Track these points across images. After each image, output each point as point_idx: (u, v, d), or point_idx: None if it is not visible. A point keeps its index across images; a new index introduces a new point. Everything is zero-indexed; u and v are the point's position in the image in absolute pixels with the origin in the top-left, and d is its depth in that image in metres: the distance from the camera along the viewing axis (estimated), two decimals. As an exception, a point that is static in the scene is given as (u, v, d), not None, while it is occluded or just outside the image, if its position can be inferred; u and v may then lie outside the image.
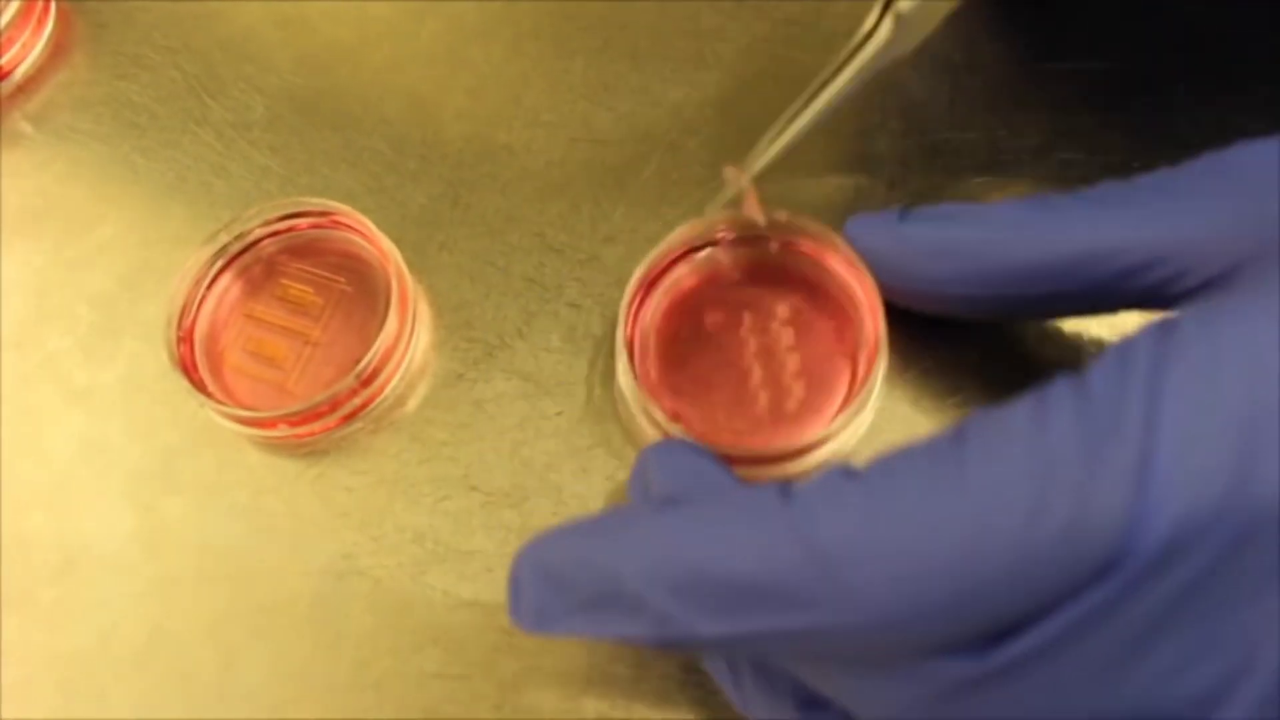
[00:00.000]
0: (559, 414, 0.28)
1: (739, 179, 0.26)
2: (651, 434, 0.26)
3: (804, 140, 0.26)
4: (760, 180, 0.26)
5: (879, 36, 0.25)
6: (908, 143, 0.31)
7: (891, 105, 0.31)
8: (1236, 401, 0.16)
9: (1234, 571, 0.16)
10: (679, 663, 0.25)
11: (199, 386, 0.28)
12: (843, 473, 0.18)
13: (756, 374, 0.27)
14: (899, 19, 0.24)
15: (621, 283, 0.29)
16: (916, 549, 0.16)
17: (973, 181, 0.30)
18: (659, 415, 0.25)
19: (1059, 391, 0.17)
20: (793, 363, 0.27)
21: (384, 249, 0.29)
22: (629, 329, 0.27)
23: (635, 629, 0.19)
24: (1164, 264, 0.21)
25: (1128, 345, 0.17)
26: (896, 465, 0.17)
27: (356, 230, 0.30)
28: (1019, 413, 0.17)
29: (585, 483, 0.27)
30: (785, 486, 0.18)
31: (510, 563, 0.21)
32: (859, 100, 0.32)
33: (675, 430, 0.25)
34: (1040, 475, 0.16)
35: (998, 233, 0.23)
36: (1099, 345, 0.27)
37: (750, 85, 0.33)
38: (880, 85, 0.32)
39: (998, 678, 0.17)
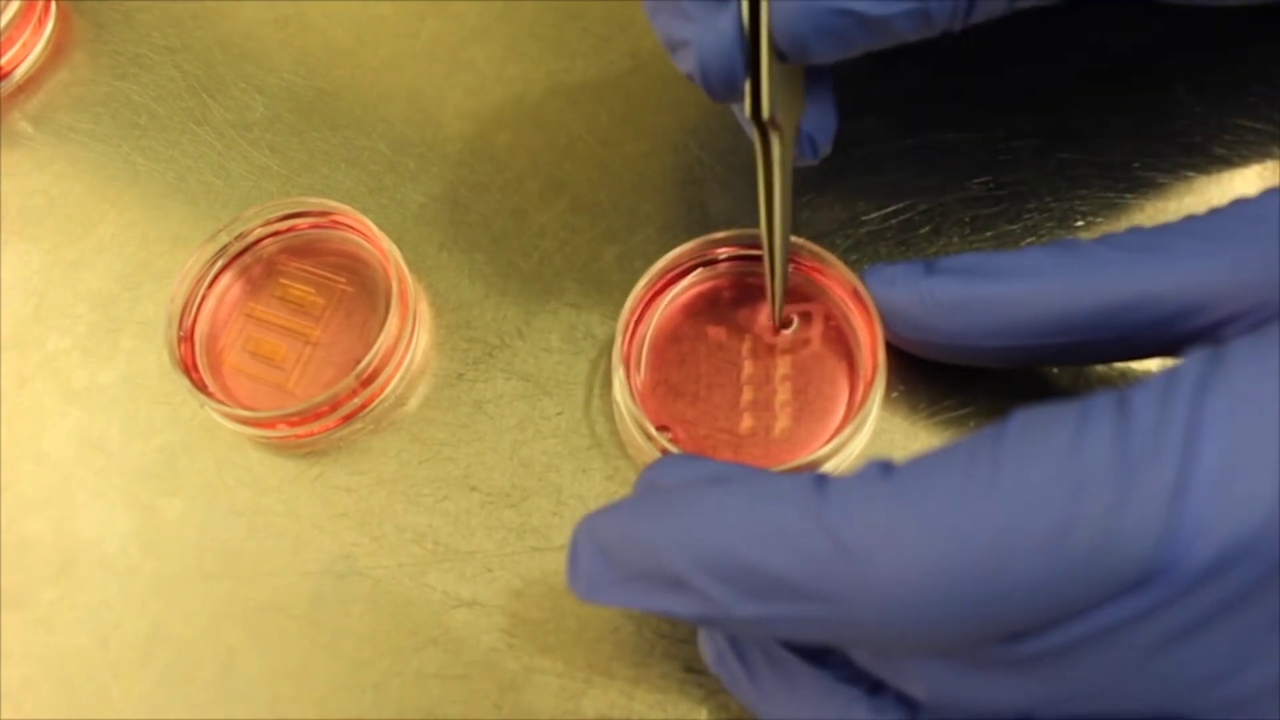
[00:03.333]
0: (559, 414, 0.28)
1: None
2: (645, 447, 0.26)
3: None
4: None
5: (775, 151, 0.24)
6: (908, 143, 0.31)
7: (892, 106, 0.31)
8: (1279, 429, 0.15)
9: (1268, 596, 0.16)
10: (679, 663, 0.25)
11: (199, 386, 0.28)
12: (879, 467, 0.18)
13: (752, 394, 0.27)
14: (774, 122, 0.23)
15: (622, 283, 0.29)
16: (944, 551, 0.16)
17: (974, 183, 0.30)
18: (653, 430, 0.25)
19: (1101, 407, 0.17)
20: (789, 384, 0.27)
21: (384, 249, 0.29)
22: (626, 343, 0.27)
23: (677, 606, 0.19)
24: (1200, 311, 0.21)
25: (1175, 369, 0.17)
26: (932, 465, 0.17)
27: (357, 230, 0.30)
28: (1059, 424, 0.17)
29: (585, 483, 0.27)
30: (822, 477, 0.18)
31: (569, 537, 0.22)
32: (859, 102, 0.32)
33: (669, 446, 0.25)
34: (1073, 491, 0.16)
35: (1027, 284, 0.23)
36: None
37: (750, 85, 0.33)
38: (881, 86, 0.32)
39: (1021, 665, 0.17)
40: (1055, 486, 0.16)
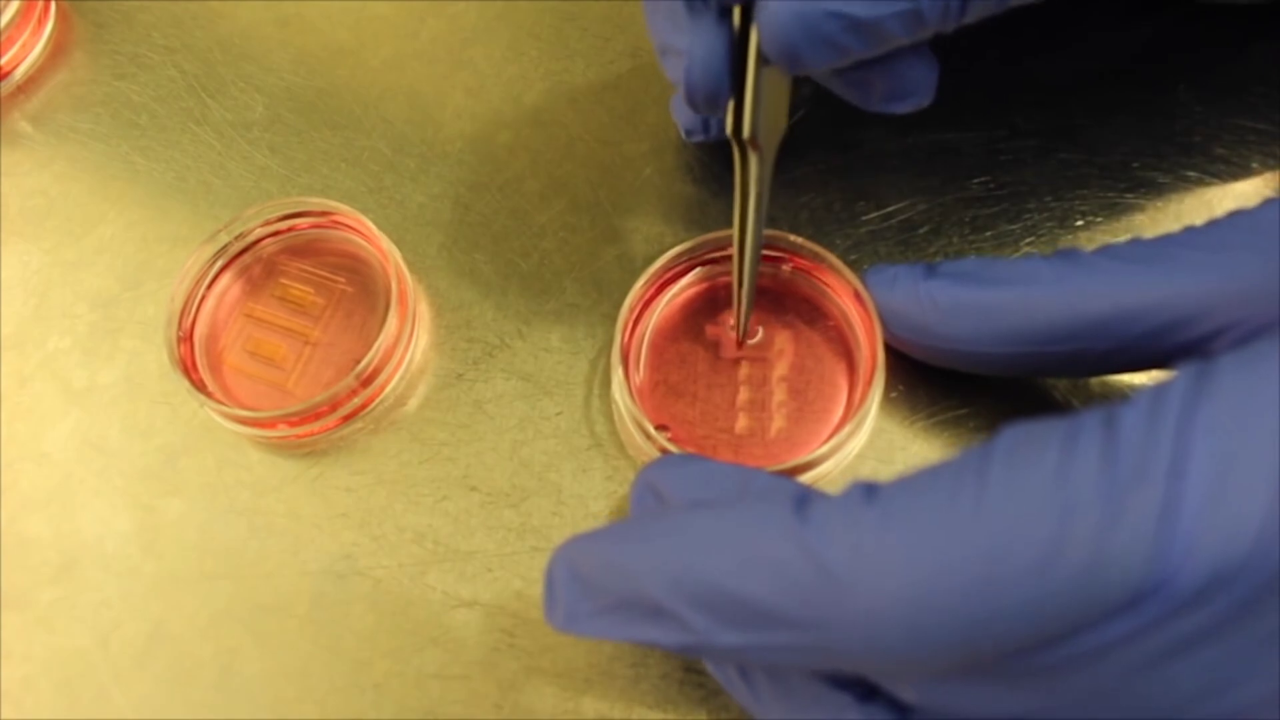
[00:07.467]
0: (559, 414, 0.28)
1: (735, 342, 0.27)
2: (645, 446, 0.26)
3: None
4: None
5: (753, 169, 0.24)
6: (908, 143, 0.31)
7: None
8: (1269, 449, 0.15)
9: (1265, 612, 0.15)
10: (679, 663, 0.25)
11: (199, 386, 0.28)
12: (863, 490, 0.17)
13: (750, 394, 0.27)
14: (754, 142, 0.24)
15: (622, 283, 0.29)
16: (930, 575, 0.16)
17: (973, 183, 0.30)
18: (652, 429, 0.25)
19: (1088, 425, 0.16)
20: (788, 384, 0.27)
21: (384, 249, 0.29)
22: (625, 343, 0.27)
23: (657, 635, 0.19)
24: (1196, 321, 0.21)
25: (1162, 386, 0.17)
26: (917, 486, 0.17)
27: (356, 230, 0.30)
28: (1046, 444, 0.16)
29: (585, 483, 0.27)
30: (804, 499, 0.18)
31: (547, 562, 0.21)
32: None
33: (668, 445, 0.25)
34: (1061, 512, 0.15)
35: (1024, 290, 0.23)
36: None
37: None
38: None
39: (1011, 679, 0.17)
40: (1043, 508, 0.16)
